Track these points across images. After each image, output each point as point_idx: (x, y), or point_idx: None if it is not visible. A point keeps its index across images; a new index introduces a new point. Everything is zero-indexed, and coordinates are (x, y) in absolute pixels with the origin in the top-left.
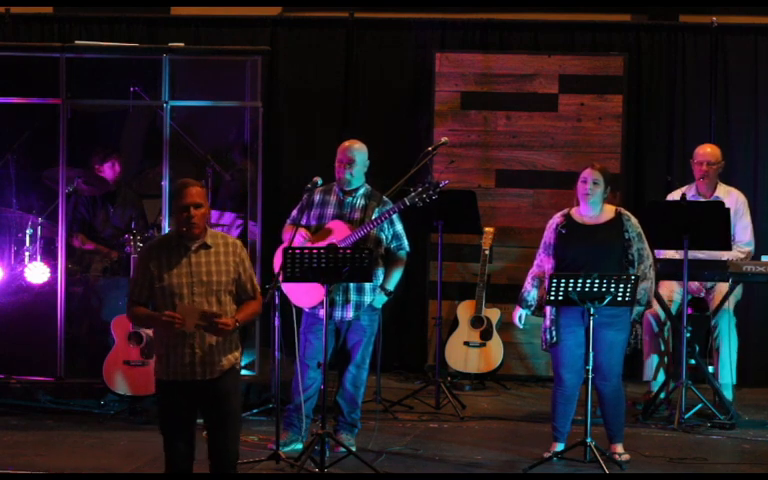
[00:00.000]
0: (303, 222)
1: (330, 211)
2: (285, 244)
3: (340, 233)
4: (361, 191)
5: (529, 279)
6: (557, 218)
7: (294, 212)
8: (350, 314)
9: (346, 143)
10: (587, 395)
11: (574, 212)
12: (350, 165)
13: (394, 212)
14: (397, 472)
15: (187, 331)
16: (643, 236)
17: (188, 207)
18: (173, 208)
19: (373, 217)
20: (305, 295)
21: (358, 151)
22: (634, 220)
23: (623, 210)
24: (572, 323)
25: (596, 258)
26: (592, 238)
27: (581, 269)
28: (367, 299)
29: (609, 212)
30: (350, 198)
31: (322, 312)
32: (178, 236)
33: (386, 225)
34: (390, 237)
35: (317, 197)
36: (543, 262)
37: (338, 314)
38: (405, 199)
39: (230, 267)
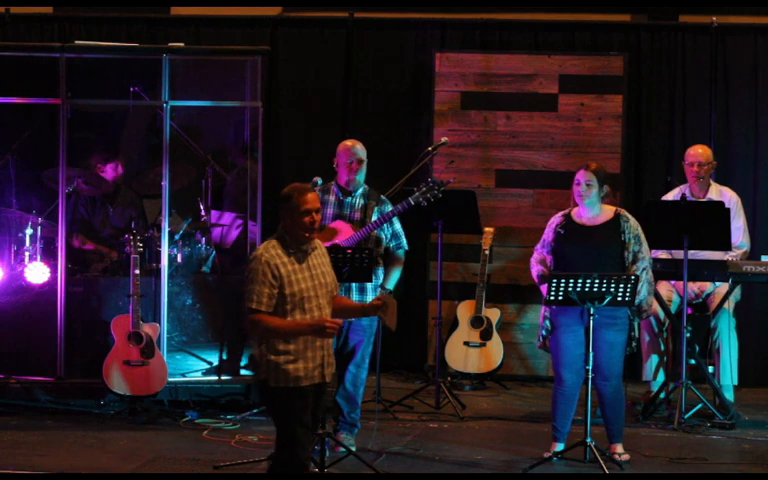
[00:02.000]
0: None
1: (329, 211)
2: None
3: (344, 233)
4: (359, 191)
5: (534, 262)
6: (557, 218)
7: None
8: None
9: (348, 143)
10: (587, 395)
11: (574, 213)
12: (357, 166)
13: (398, 212)
14: (397, 472)
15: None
16: (642, 239)
17: (310, 212)
18: (288, 212)
19: (373, 217)
20: None
21: (362, 151)
22: (633, 222)
23: (623, 211)
24: (572, 323)
25: (592, 259)
26: (589, 239)
27: (578, 270)
28: (369, 299)
29: (608, 213)
30: (349, 198)
31: None
32: (294, 240)
33: (385, 224)
34: (389, 236)
35: None
36: (543, 254)
37: None
38: (410, 199)
39: (330, 268)
